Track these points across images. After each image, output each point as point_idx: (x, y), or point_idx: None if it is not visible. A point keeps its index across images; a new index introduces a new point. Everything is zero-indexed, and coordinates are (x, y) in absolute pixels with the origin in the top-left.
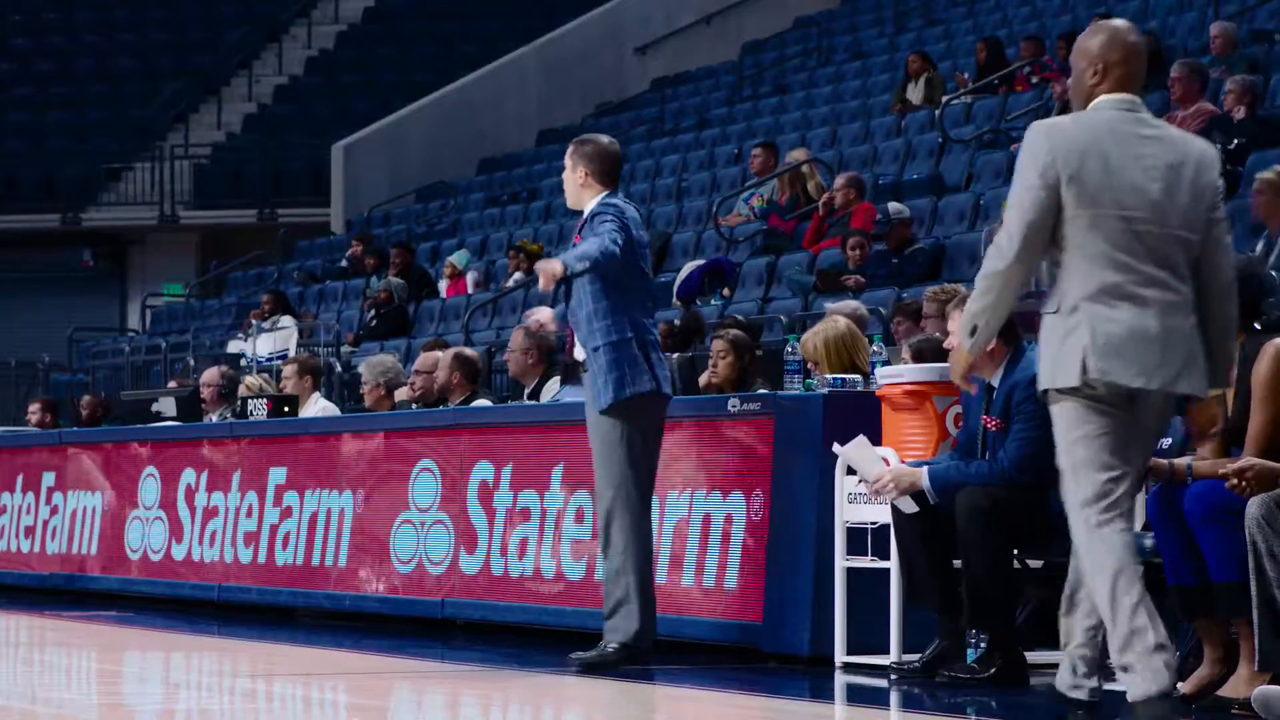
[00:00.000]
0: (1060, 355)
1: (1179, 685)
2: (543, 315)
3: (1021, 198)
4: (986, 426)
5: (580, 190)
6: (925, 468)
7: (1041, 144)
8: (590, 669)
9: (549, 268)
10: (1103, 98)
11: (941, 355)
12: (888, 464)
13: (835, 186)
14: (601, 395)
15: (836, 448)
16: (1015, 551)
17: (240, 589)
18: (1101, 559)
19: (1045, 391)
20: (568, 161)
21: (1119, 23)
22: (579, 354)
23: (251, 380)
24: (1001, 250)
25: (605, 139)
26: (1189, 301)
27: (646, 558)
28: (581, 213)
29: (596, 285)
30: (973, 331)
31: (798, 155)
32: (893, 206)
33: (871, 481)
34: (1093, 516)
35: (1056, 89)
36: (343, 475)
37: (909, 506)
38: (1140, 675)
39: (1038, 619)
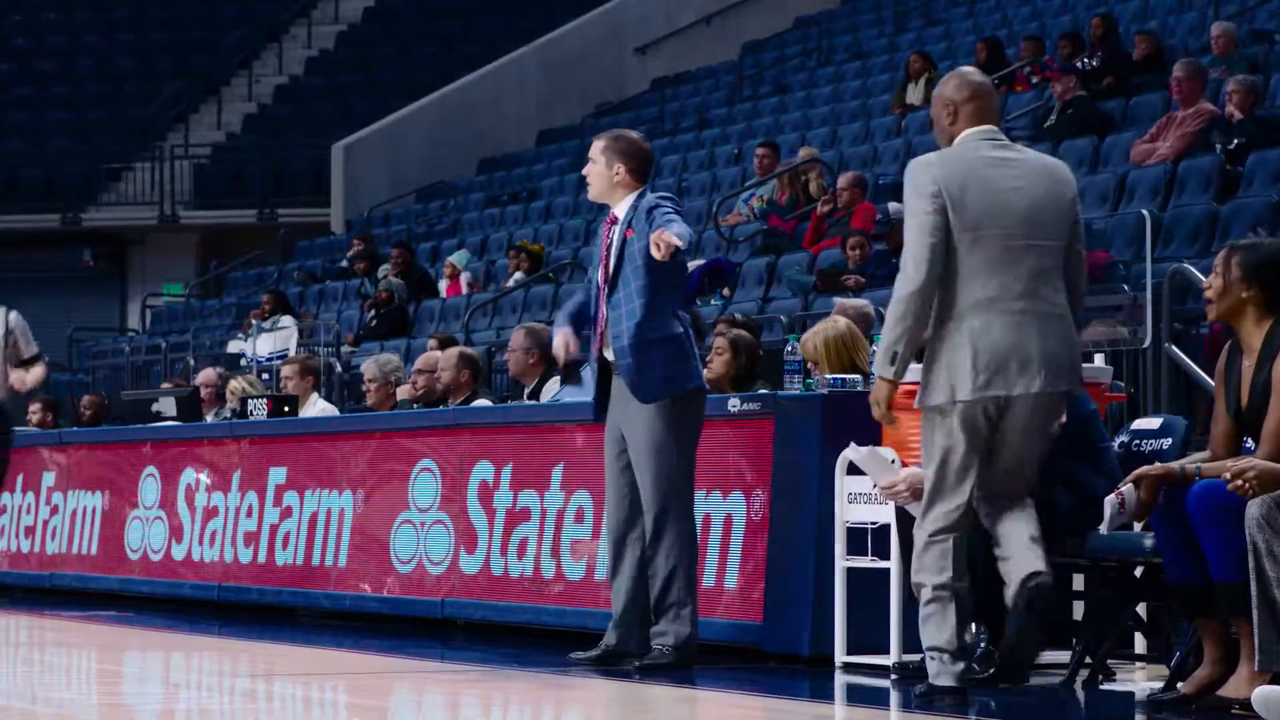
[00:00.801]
0: (935, 373)
1: (1179, 685)
2: (569, 337)
3: (921, 222)
4: None
5: (614, 187)
6: None
7: (924, 175)
8: (647, 671)
9: (669, 239)
10: (966, 132)
11: None
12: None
13: (839, 186)
14: (657, 389)
15: (852, 449)
16: None
17: (240, 589)
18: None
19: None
20: (599, 156)
21: (965, 68)
22: (609, 353)
23: (236, 384)
24: (909, 275)
25: (637, 135)
26: (1062, 307)
27: (694, 557)
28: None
29: (654, 278)
30: (893, 359)
31: (807, 153)
32: (893, 206)
33: (886, 486)
34: (929, 532)
35: (1057, 89)
36: (343, 475)
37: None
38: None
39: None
